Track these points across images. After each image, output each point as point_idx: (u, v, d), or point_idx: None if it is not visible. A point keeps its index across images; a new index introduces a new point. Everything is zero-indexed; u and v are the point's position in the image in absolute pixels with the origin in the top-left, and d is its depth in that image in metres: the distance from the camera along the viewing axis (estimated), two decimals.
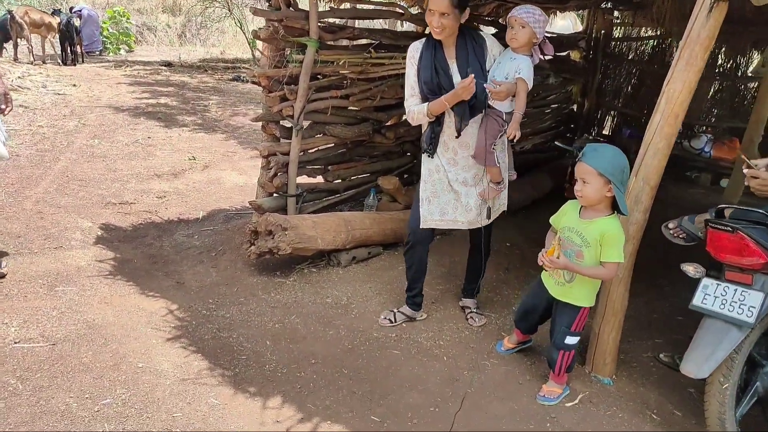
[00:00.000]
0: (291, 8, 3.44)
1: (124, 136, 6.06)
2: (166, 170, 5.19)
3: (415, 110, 2.68)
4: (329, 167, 4.13)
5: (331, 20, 3.68)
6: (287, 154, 3.72)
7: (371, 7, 4.01)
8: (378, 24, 4.31)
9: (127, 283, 3.19)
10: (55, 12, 11.43)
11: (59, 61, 10.76)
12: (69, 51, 10.89)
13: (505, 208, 2.96)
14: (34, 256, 3.36)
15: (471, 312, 3.11)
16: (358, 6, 4.02)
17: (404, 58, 2.77)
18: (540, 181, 5.17)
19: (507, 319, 3.12)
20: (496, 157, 2.66)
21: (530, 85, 2.53)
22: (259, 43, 13.77)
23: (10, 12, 10.14)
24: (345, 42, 4.33)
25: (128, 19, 15.54)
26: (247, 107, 8.14)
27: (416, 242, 2.88)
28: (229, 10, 13.84)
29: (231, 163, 5.62)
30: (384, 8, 3.99)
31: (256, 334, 2.81)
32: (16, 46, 10.61)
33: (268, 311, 3.03)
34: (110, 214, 4.14)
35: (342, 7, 3.79)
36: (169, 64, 11.71)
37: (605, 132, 7.99)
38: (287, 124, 3.71)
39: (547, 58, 2.77)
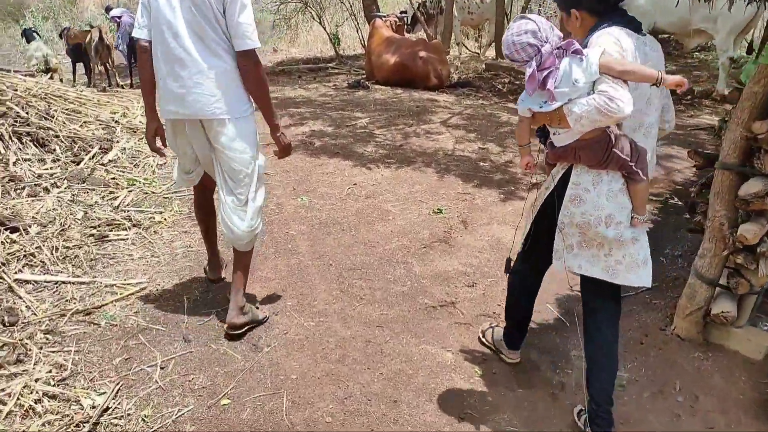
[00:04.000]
0: None
1: (325, 186, 4.91)
2: (426, 235, 4.05)
3: None
4: None
5: None
6: None
7: None
8: None
9: None
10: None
11: (103, 84, 9.13)
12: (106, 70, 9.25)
13: None
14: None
15: None
16: None
17: None
18: None
19: None
20: None
21: None
22: (344, 41, 12.43)
23: (99, 28, 8.88)
24: None
25: None
26: (410, 125, 6.91)
27: None
28: (306, 4, 12.58)
29: (484, 213, 4.45)
30: None
31: None
32: (91, 72, 9.40)
33: None
34: (447, 327, 3.02)
35: None
36: None
37: None
38: None
39: None
